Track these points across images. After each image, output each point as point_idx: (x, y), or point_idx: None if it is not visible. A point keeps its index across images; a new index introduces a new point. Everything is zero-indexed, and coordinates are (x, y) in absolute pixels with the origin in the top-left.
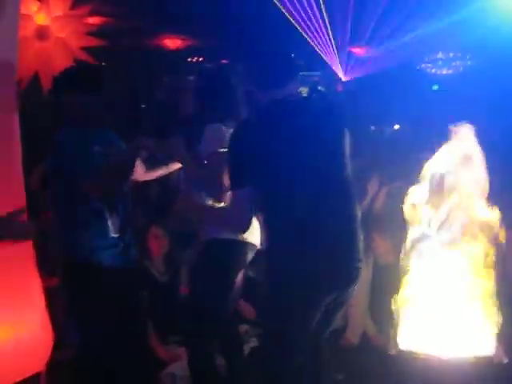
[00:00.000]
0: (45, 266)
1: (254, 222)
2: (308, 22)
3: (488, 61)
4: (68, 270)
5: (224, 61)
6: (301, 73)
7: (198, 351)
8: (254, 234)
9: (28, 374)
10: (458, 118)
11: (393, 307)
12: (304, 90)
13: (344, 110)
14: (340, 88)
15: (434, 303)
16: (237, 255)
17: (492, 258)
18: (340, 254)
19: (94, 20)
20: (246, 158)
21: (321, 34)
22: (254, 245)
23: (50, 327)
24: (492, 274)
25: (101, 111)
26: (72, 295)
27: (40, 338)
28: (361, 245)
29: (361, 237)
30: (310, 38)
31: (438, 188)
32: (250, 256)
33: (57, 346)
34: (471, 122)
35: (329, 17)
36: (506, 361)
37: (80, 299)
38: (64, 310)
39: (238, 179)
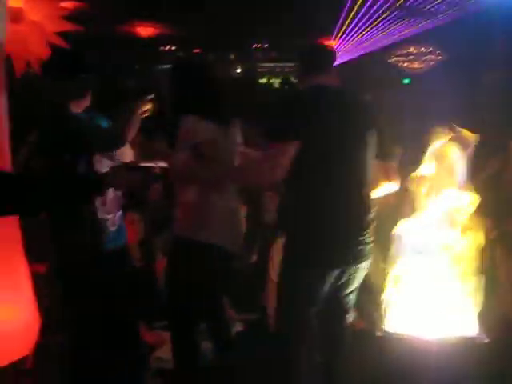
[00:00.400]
0: (32, 251)
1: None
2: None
3: (460, 56)
4: (71, 252)
5: (197, 50)
6: (273, 64)
7: (181, 337)
8: (238, 242)
9: (15, 358)
10: (429, 112)
11: (379, 291)
12: (276, 81)
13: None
14: None
15: (418, 286)
16: (221, 261)
17: (474, 242)
18: (349, 226)
19: (68, 4)
20: (298, 119)
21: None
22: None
23: (36, 312)
24: (474, 257)
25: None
26: (72, 278)
27: (27, 322)
28: (370, 228)
29: (370, 221)
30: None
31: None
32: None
33: (43, 330)
34: (442, 117)
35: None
36: (487, 341)
37: (81, 282)
38: (54, 295)
39: (286, 132)
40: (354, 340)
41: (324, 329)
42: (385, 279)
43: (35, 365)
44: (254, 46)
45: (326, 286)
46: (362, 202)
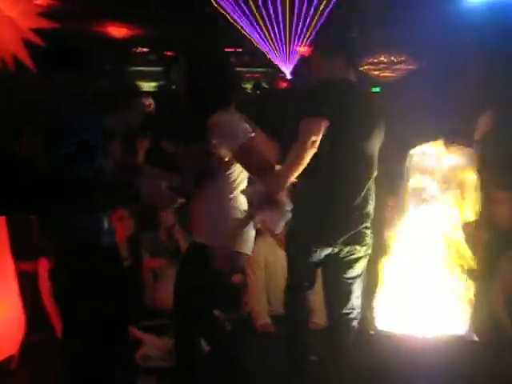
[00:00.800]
0: (18, 250)
1: (251, 233)
2: (254, 20)
3: (432, 65)
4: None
5: (169, 53)
6: (246, 69)
7: (182, 336)
8: (249, 243)
9: (1, 357)
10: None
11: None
12: (248, 86)
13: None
14: (285, 85)
15: (410, 285)
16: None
17: (463, 241)
18: (352, 213)
19: (43, 1)
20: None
21: (267, 33)
22: (247, 254)
23: (23, 310)
24: (463, 256)
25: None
26: (68, 277)
27: (13, 321)
28: (370, 215)
29: (371, 212)
30: (256, 35)
31: None
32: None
33: (30, 329)
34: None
35: (275, 16)
36: (476, 339)
37: (76, 280)
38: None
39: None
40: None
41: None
42: (377, 278)
43: (21, 364)
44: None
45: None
46: (366, 194)
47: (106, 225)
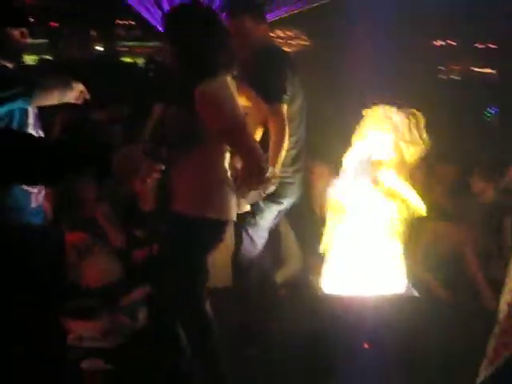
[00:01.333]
0: None
1: (233, 200)
2: None
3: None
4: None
5: (54, 24)
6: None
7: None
8: (234, 211)
9: None
10: None
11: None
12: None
13: None
14: None
15: (353, 248)
16: (220, 235)
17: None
18: None
19: None
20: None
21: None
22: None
23: None
24: (401, 222)
25: None
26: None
27: None
28: None
29: None
30: (148, 10)
31: None
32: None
33: None
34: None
35: None
36: (416, 295)
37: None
38: None
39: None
40: (291, 301)
41: None
42: (320, 241)
43: None
44: (117, 22)
45: None
46: None
47: (29, 204)
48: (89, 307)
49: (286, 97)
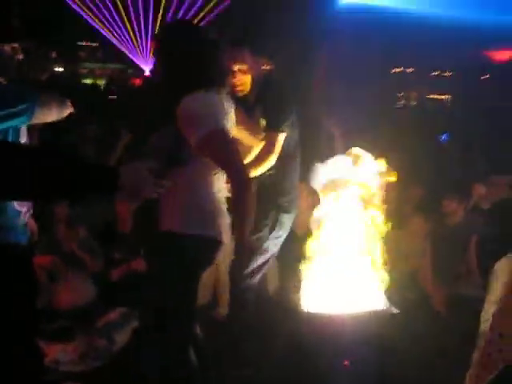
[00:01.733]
0: None
1: (227, 220)
2: (110, 16)
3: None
4: None
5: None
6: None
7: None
8: (227, 233)
9: None
10: None
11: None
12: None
13: None
14: (141, 81)
15: (332, 266)
16: (212, 254)
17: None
18: None
19: None
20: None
21: (123, 29)
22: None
23: None
24: (377, 239)
25: None
26: None
27: None
28: None
29: None
30: (113, 31)
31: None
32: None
33: None
34: None
35: (133, 12)
36: (396, 311)
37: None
38: None
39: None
40: (271, 319)
41: None
42: (300, 258)
43: None
44: (79, 43)
45: None
46: None
47: (19, 222)
48: (63, 329)
49: (286, 124)
